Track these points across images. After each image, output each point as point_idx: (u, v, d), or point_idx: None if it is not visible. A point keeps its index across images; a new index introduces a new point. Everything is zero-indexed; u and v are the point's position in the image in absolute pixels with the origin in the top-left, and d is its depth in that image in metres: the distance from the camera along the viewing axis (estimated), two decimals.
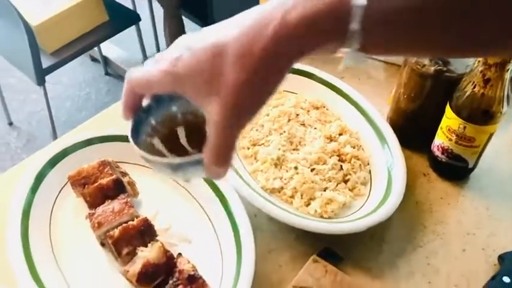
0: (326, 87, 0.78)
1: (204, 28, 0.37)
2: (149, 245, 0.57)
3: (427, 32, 0.33)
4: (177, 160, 0.38)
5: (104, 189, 0.62)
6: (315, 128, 0.73)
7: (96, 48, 2.11)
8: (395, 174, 0.67)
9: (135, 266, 0.55)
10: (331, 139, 0.72)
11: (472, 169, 0.70)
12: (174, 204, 0.66)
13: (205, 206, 0.64)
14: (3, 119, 2.04)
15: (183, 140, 0.43)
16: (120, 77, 2.23)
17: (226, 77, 0.33)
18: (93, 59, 2.31)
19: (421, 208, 0.68)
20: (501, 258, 0.62)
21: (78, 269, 0.59)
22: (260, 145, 0.70)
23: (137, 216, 0.60)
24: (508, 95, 0.61)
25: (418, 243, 0.64)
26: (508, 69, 0.58)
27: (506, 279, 0.58)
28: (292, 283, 0.57)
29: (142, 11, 1.95)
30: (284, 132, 0.71)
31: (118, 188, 0.62)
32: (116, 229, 0.58)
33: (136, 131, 0.40)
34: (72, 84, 2.22)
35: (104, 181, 0.62)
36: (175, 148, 0.42)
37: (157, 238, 0.59)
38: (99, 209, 0.60)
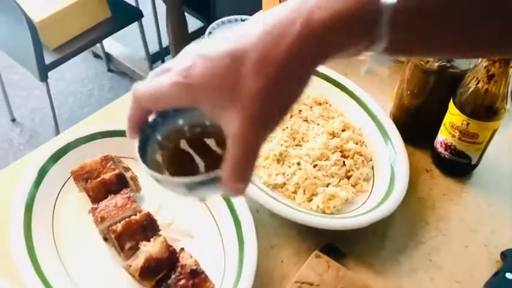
0: (329, 83, 0.77)
1: (215, 35, 0.35)
2: (152, 239, 0.57)
3: (452, 31, 0.32)
4: (192, 179, 0.34)
5: (107, 184, 0.62)
6: (318, 124, 0.73)
7: (98, 45, 2.11)
8: (398, 170, 0.67)
9: (138, 261, 0.55)
10: (334, 135, 0.72)
11: (475, 165, 0.70)
12: (176, 199, 0.65)
13: (208, 201, 0.64)
14: (6, 116, 2.04)
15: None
16: (122, 73, 2.23)
17: (247, 85, 0.30)
18: (96, 56, 2.31)
19: (423, 204, 0.68)
20: (504, 254, 0.62)
21: (81, 263, 0.60)
22: None
23: (140, 211, 0.60)
24: None
25: (420, 240, 0.64)
26: None
27: (509, 275, 0.58)
28: (294, 278, 0.57)
29: (145, 8, 1.95)
30: (287, 128, 0.71)
31: (121, 183, 0.63)
32: (118, 224, 0.58)
33: (143, 148, 0.37)
34: (74, 80, 2.22)
35: (106, 176, 0.63)
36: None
37: (160, 233, 0.59)
38: (102, 204, 0.61)
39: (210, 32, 0.87)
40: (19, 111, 2.06)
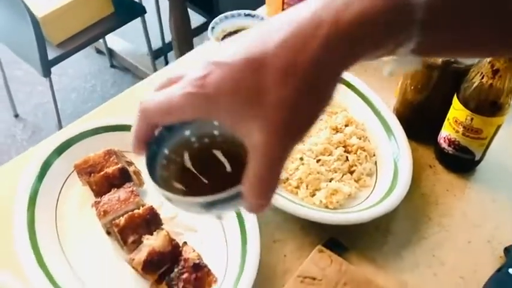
0: None
1: (231, 39, 0.31)
2: (155, 233, 0.57)
3: (486, 32, 0.31)
4: (210, 198, 0.31)
5: (110, 178, 0.62)
6: (321, 119, 0.73)
7: (101, 41, 2.11)
8: (401, 165, 0.67)
9: (141, 254, 0.55)
10: (337, 130, 0.72)
11: (479, 161, 0.70)
12: None
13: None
14: (9, 111, 2.05)
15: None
16: (125, 69, 2.23)
17: (270, 95, 0.28)
18: (99, 51, 2.31)
19: (426, 200, 0.68)
20: (507, 250, 0.62)
21: (84, 257, 0.60)
22: None
23: (143, 205, 0.60)
24: None
25: (423, 235, 0.64)
26: None
27: None
28: (297, 273, 0.57)
29: (148, 3, 1.95)
30: None
31: (124, 177, 0.63)
32: (121, 217, 0.58)
33: (151, 165, 0.34)
34: (77, 76, 2.23)
35: (109, 170, 0.63)
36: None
37: (163, 227, 0.59)
38: (105, 198, 0.61)
39: (213, 27, 0.86)
40: (22, 106, 2.07)
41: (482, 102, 0.62)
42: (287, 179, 0.66)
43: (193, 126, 0.36)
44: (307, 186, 0.65)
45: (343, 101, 0.76)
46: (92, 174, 0.63)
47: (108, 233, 0.61)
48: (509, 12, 0.30)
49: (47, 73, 1.61)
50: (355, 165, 0.68)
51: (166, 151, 0.36)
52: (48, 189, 0.64)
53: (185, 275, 0.54)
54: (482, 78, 0.61)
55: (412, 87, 0.71)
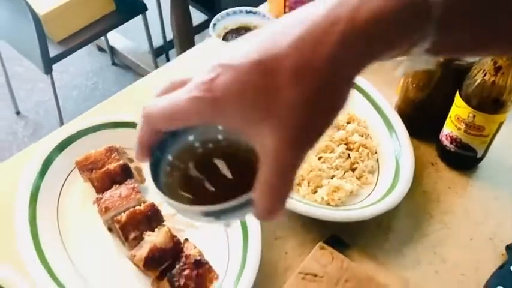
0: None
1: (238, 40, 0.30)
2: (156, 229, 0.57)
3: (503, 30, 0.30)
4: (219, 207, 0.30)
5: (111, 174, 0.62)
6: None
7: (103, 38, 2.11)
8: (403, 163, 0.67)
9: (142, 251, 0.55)
10: (338, 127, 0.72)
11: (481, 159, 0.69)
12: None
13: None
14: (10, 108, 2.05)
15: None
16: (127, 67, 2.23)
17: (283, 98, 0.27)
18: (100, 49, 2.31)
19: (428, 197, 0.68)
20: (509, 248, 0.61)
21: (86, 253, 0.60)
22: None
23: (144, 202, 0.60)
24: None
25: (424, 232, 0.64)
26: None
27: None
28: (298, 270, 0.57)
29: (149, 1, 1.94)
30: None
31: (125, 174, 0.63)
32: (123, 214, 0.58)
33: (155, 172, 0.33)
34: (79, 73, 2.23)
35: (111, 166, 0.63)
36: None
37: (164, 223, 0.59)
38: (107, 194, 0.61)
39: (214, 24, 0.86)
40: (23, 104, 2.07)
41: (484, 99, 0.62)
42: None
43: (197, 131, 0.35)
44: (308, 183, 0.65)
45: None
46: (94, 171, 0.63)
47: (110, 229, 0.61)
48: None
49: (48, 70, 1.61)
50: (357, 163, 0.68)
51: (170, 157, 0.34)
52: (50, 186, 0.64)
53: (186, 272, 0.54)
54: (485, 75, 0.60)
55: (414, 85, 0.70)
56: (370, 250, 0.62)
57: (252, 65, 0.27)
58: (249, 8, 0.87)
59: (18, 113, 2.05)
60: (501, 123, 0.64)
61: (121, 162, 0.63)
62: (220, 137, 0.35)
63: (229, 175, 0.33)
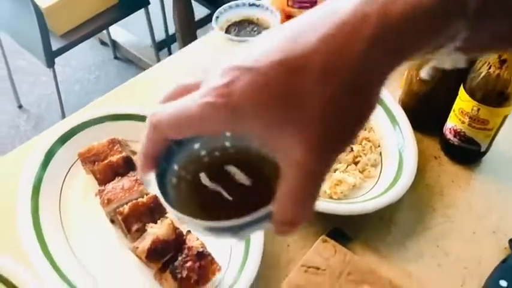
0: None
1: (254, 40, 0.27)
2: (159, 221, 0.57)
3: None
4: (236, 222, 0.27)
5: (114, 166, 0.62)
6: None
7: (105, 32, 2.11)
8: (406, 156, 0.66)
9: (145, 243, 0.55)
10: None
11: (485, 153, 0.69)
12: None
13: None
14: (12, 102, 2.05)
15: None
16: (129, 61, 2.23)
17: (310, 100, 0.24)
18: (103, 43, 2.31)
19: (431, 191, 0.68)
20: None
21: (88, 245, 0.60)
22: None
23: (147, 194, 0.60)
24: None
25: (427, 226, 0.64)
26: None
27: None
28: (300, 262, 0.57)
29: None
30: None
31: (128, 166, 0.63)
32: (125, 205, 0.58)
33: (162, 184, 0.30)
34: (81, 67, 2.22)
35: (113, 158, 0.63)
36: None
37: (167, 215, 0.59)
38: (109, 186, 0.61)
39: (217, 17, 0.86)
40: (26, 97, 2.07)
41: (489, 92, 0.61)
42: None
43: (202, 138, 0.32)
44: None
45: None
46: (96, 163, 0.63)
47: (112, 221, 0.61)
48: None
49: (50, 64, 1.61)
50: (360, 156, 0.68)
51: (176, 167, 0.31)
52: (52, 178, 0.64)
53: (189, 263, 0.54)
54: (490, 68, 0.60)
55: (418, 78, 0.70)
56: (373, 243, 0.61)
57: (274, 64, 0.25)
58: (251, 1, 0.86)
59: (20, 106, 2.06)
60: (505, 117, 0.64)
61: (123, 154, 0.63)
62: (227, 144, 0.32)
63: (246, 182, 0.31)
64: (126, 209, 0.57)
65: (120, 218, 0.57)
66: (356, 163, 0.68)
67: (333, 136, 0.25)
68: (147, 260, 0.55)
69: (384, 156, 0.69)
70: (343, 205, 0.62)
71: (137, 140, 0.68)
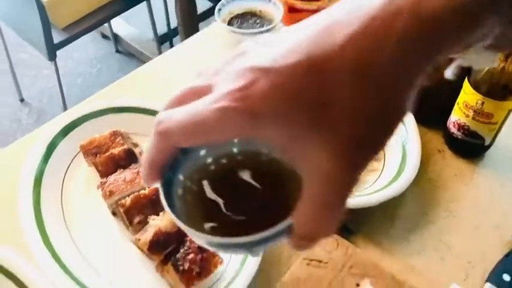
0: None
1: (269, 39, 0.25)
2: (161, 213, 0.57)
3: None
4: (253, 238, 0.25)
5: (116, 158, 0.62)
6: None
7: (107, 25, 2.10)
8: (409, 149, 0.66)
9: (147, 235, 0.55)
10: None
11: (489, 146, 0.69)
12: None
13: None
14: (14, 96, 2.05)
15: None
16: (130, 54, 2.22)
17: (339, 104, 0.23)
18: (104, 36, 2.30)
19: (434, 185, 0.67)
20: None
21: (90, 237, 0.60)
22: None
23: (149, 186, 0.60)
24: None
25: (430, 220, 0.64)
26: None
27: None
28: (303, 255, 0.57)
29: None
30: None
31: (130, 158, 0.62)
32: (127, 198, 0.58)
33: (168, 195, 0.28)
34: (83, 61, 2.22)
35: (115, 151, 0.62)
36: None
37: None
38: (111, 178, 0.60)
39: (219, 9, 0.85)
40: (28, 91, 2.07)
41: (493, 85, 0.61)
42: None
43: (208, 145, 0.30)
44: None
45: None
46: (98, 155, 0.63)
47: (114, 213, 0.61)
48: None
49: (52, 57, 1.60)
50: None
51: (181, 177, 0.29)
52: (54, 170, 0.64)
53: (191, 256, 0.53)
54: None
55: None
56: (376, 237, 0.61)
57: (298, 66, 0.23)
58: None
59: (22, 100, 2.06)
60: (510, 111, 0.63)
61: (125, 146, 0.63)
62: (235, 150, 0.30)
63: (251, 192, 0.29)
64: (128, 201, 0.57)
65: (122, 210, 0.57)
66: None
67: (364, 144, 0.24)
68: (149, 252, 0.55)
69: (387, 150, 0.69)
70: None
71: (139, 132, 0.68)
